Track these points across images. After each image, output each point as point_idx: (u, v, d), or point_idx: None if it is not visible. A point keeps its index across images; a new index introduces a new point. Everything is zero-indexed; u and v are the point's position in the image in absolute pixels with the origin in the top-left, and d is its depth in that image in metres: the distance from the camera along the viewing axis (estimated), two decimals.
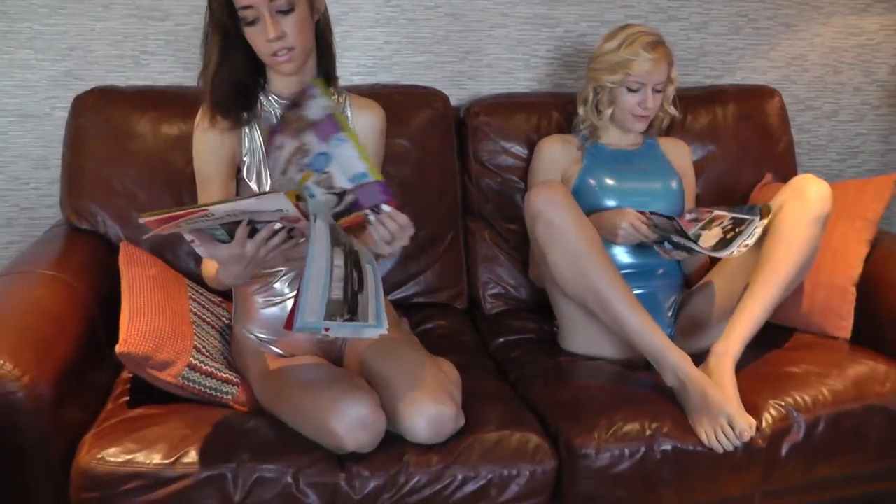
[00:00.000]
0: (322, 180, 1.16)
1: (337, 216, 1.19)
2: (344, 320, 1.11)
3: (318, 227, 1.13)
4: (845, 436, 1.43)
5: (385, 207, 1.18)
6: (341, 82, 1.47)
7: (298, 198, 1.10)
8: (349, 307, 1.13)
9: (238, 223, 1.13)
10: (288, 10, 1.30)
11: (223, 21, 1.30)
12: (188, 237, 1.14)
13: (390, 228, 1.19)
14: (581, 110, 1.76)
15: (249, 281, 1.38)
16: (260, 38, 1.31)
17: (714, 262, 1.72)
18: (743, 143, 1.95)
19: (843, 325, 1.62)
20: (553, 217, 1.46)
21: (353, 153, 1.14)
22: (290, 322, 1.08)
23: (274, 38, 1.29)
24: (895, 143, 2.33)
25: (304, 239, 1.16)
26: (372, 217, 1.18)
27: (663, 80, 1.68)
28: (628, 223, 1.57)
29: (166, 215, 1.08)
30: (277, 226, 1.14)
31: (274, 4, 1.29)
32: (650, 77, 1.65)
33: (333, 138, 1.15)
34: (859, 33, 2.21)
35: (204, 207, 1.07)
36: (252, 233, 1.15)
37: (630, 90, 1.67)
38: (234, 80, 1.35)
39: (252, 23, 1.30)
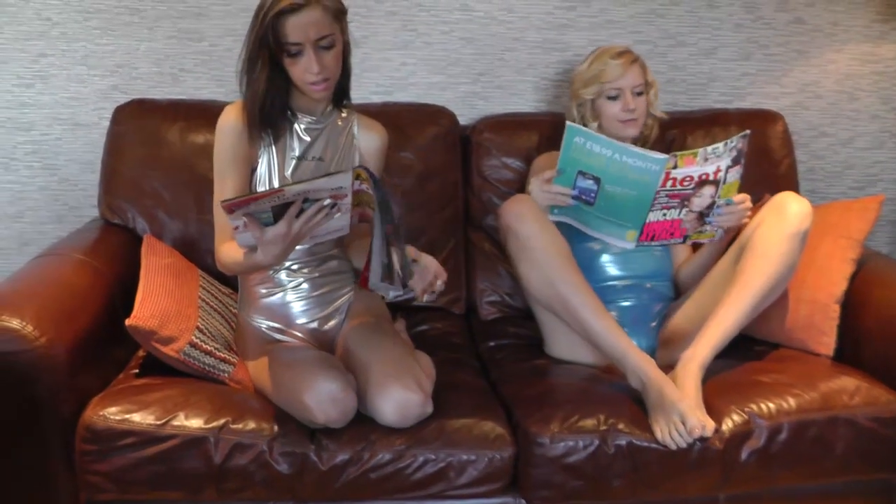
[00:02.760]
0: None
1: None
2: (388, 283, 1.37)
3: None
4: (808, 445, 1.44)
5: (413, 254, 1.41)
6: (360, 101, 1.60)
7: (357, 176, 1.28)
8: (388, 271, 1.36)
9: (284, 205, 1.25)
10: (329, 47, 1.43)
11: (272, 53, 1.42)
12: (236, 223, 1.25)
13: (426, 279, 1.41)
14: None
15: (260, 270, 1.51)
16: (301, 70, 1.43)
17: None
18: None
19: (826, 342, 1.63)
20: (519, 229, 1.54)
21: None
22: (364, 281, 1.36)
23: (318, 72, 1.42)
24: None
25: (339, 213, 1.31)
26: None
27: (640, 83, 1.74)
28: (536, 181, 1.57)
29: (247, 198, 1.22)
30: (327, 202, 1.27)
31: (319, 42, 1.42)
32: (624, 80, 1.72)
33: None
34: (876, 61, 2.20)
35: (281, 189, 1.22)
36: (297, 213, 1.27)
37: (609, 98, 1.74)
38: (280, 105, 1.50)
39: (295, 55, 1.42)
